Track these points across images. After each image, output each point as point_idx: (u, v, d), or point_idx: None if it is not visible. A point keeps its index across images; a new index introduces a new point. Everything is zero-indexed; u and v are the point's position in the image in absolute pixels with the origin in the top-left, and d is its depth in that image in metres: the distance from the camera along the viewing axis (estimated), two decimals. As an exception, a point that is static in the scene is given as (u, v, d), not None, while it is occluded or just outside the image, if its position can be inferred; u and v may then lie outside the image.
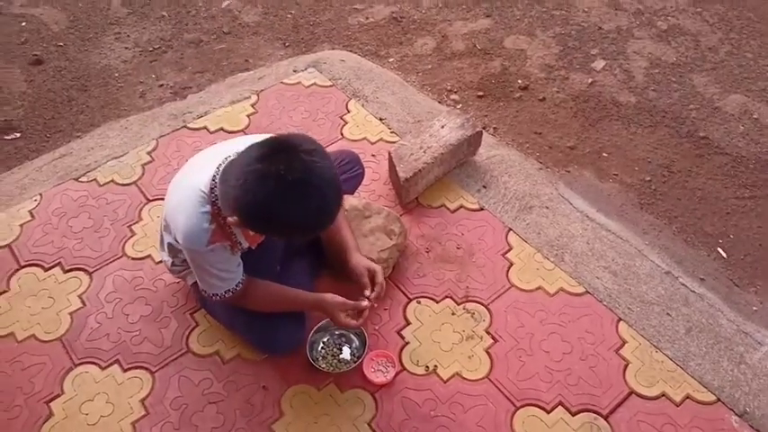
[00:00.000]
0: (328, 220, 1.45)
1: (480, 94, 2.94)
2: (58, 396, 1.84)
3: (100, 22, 3.42)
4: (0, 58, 3.19)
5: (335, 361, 1.87)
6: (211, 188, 1.53)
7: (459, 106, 2.88)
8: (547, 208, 2.32)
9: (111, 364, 1.90)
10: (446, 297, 2.04)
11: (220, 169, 1.53)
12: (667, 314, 1.98)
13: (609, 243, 2.21)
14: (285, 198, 1.34)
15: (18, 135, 2.85)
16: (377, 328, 1.96)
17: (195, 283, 1.87)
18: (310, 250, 2.07)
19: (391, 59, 3.14)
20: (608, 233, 2.25)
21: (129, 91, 3.00)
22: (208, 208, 1.54)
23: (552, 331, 1.94)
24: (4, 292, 2.08)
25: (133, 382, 1.86)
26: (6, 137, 2.84)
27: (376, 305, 1.82)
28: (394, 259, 2.04)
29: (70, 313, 2.02)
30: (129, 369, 1.89)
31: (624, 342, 1.92)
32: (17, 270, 2.14)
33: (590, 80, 2.98)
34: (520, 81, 2.99)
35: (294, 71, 2.86)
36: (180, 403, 1.82)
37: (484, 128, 2.74)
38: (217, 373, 1.88)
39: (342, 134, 2.56)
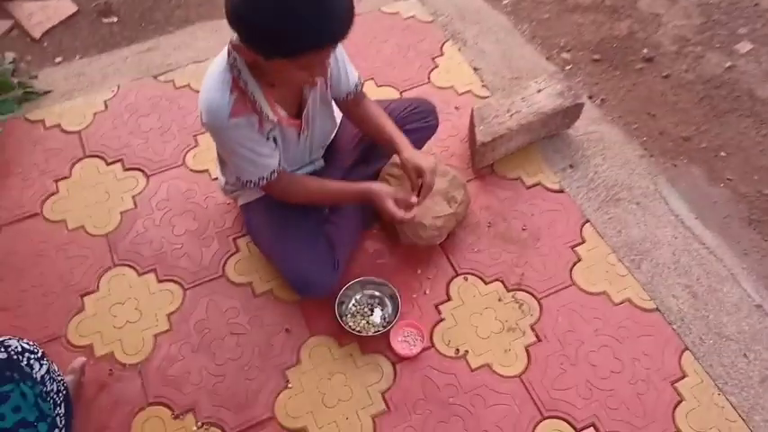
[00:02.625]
0: (333, 9, 1.18)
1: (596, 57, 2.61)
2: (93, 292, 1.87)
3: None
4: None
5: (364, 322, 1.77)
6: (228, 52, 1.40)
7: (568, 67, 2.57)
8: (637, 204, 2.05)
9: (147, 272, 1.90)
10: (497, 280, 1.87)
11: None
12: (744, 355, 1.72)
13: (699, 258, 1.92)
14: None
15: (115, 20, 2.84)
16: (414, 296, 1.83)
17: (245, 205, 1.81)
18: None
19: (505, 1, 2.84)
20: (701, 246, 1.96)
21: (228, -8, 2.90)
22: (227, 76, 1.40)
23: (605, 344, 1.74)
24: (65, 177, 2.11)
25: (164, 294, 1.86)
26: (105, 19, 2.84)
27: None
28: (449, 228, 1.88)
29: (121, 212, 2.03)
30: (164, 281, 1.89)
31: (684, 375, 1.69)
32: (81, 159, 2.16)
33: (728, 64, 2.56)
34: (645, 50, 2.62)
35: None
36: (203, 327, 1.80)
37: (590, 97, 2.45)
38: (246, 304, 1.84)
39: (429, 78, 2.36)
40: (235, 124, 1.42)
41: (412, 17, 2.56)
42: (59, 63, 2.62)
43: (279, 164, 1.56)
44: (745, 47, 2.62)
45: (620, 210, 2.03)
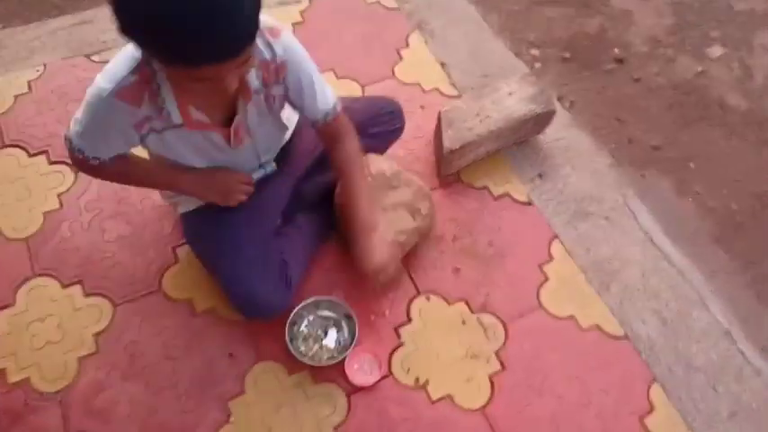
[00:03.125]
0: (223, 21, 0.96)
1: (566, 55, 2.49)
2: (8, 306, 1.65)
3: None
4: None
5: (317, 346, 1.62)
6: None
7: (537, 65, 2.45)
8: (607, 219, 1.95)
9: (72, 284, 1.70)
10: (461, 300, 1.74)
11: None
12: (713, 388, 1.66)
13: (668, 280, 1.85)
14: None
15: (46, -16, 2.53)
16: (372, 318, 1.69)
17: (185, 213, 1.62)
18: (323, 208, 1.78)
19: (475, -10, 2.68)
20: (670, 266, 1.88)
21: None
22: (137, 56, 1.16)
23: (573, 374, 1.65)
24: (-21, 171, 1.86)
25: (91, 311, 1.66)
26: (33, -17, 2.53)
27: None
28: (411, 244, 1.74)
29: (44, 213, 1.80)
30: (91, 295, 1.68)
31: (652, 409, 1.61)
32: (0, 149, 1.90)
33: (699, 69, 2.48)
34: (616, 50, 2.52)
35: (360, -20, 2.44)
36: (134, 350, 1.61)
37: (559, 99, 2.33)
38: (184, 323, 1.66)
39: (393, 72, 2.18)
40: (109, 104, 1.18)
41: (376, 2, 2.37)
42: (-23, 33, 2.32)
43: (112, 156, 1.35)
44: (716, 51, 2.55)
45: (589, 225, 1.93)
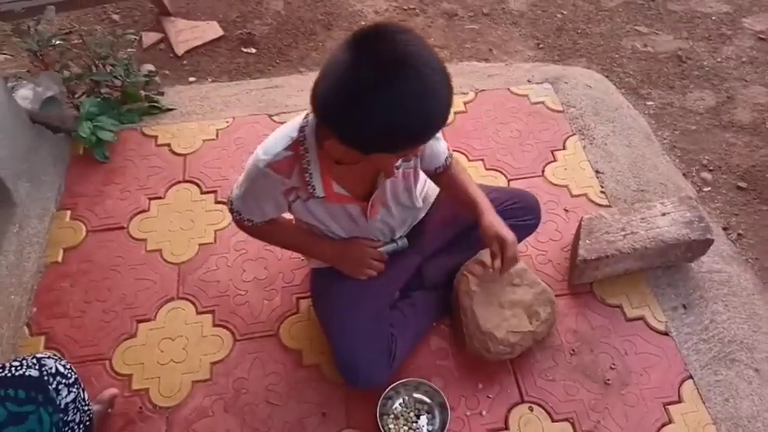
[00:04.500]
0: (435, 113, 1.10)
1: (742, 185, 2.30)
2: (149, 320, 1.84)
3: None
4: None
5: (406, 428, 1.60)
6: (301, 126, 1.33)
7: (706, 189, 2.29)
8: (756, 371, 1.72)
9: (206, 312, 1.86)
10: (567, 420, 1.62)
11: None
12: None
13: (822, 459, 1.57)
14: (374, 82, 1.05)
15: (254, 51, 2.93)
16: (468, 414, 1.63)
17: (315, 269, 1.72)
18: (441, 290, 1.79)
19: (650, 103, 2.60)
20: (827, 444, 1.60)
21: (363, 43, 2.90)
22: (293, 134, 1.33)
23: None
24: (159, 198, 2.13)
25: (215, 340, 1.80)
26: (244, 49, 2.93)
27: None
28: (524, 347, 1.67)
29: (200, 244, 2.01)
30: (219, 326, 1.83)
31: None
32: (179, 182, 2.18)
33: None
34: (803, 188, 2.28)
35: (528, 81, 2.49)
36: (240, 386, 1.71)
37: (725, 228, 2.15)
38: (290, 372, 1.73)
39: (543, 171, 2.17)
40: (264, 174, 1.35)
41: (541, 103, 2.40)
42: (191, 83, 2.73)
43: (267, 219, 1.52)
44: None
45: (732, 373, 1.71)
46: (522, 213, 1.74)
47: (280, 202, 1.43)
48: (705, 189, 2.29)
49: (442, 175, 1.60)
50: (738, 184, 2.29)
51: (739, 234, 2.14)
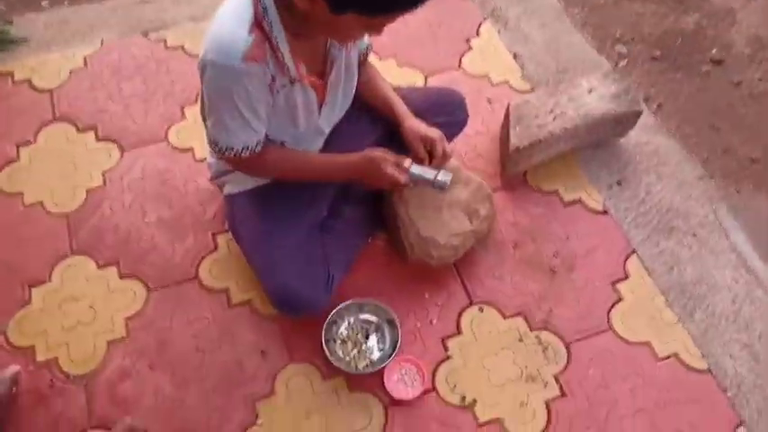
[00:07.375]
0: None
1: (656, 54, 2.25)
2: (43, 283, 1.59)
3: None
4: None
5: (355, 351, 1.48)
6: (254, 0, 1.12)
7: (623, 63, 2.22)
8: (694, 236, 1.72)
9: (108, 265, 1.62)
10: (519, 314, 1.56)
11: None
12: (812, 441, 1.41)
13: (762, 310, 1.60)
14: None
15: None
16: (418, 325, 1.54)
17: (231, 195, 1.52)
18: (370, 203, 1.64)
19: (557, -20, 2.48)
20: (765, 295, 1.63)
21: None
22: (249, 12, 1.12)
23: (642, 408, 1.43)
24: (29, 143, 1.82)
25: (125, 294, 1.58)
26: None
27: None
28: (467, 247, 1.57)
29: (87, 190, 1.74)
30: (126, 278, 1.60)
31: (737, 459, 1.38)
32: (50, 122, 1.87)
33: (811, 74, 2.20)
34: (714, 51, 2.26)
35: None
36: (164, 337, 1.52)
37: (646, 100, 2.11)
38: (218, 315, 1.55)
39: (460, 63, 2.02)
40: (246, 70, 1.13)
41: (447, -12, 2.21)
42: (45, 9, 2.32)
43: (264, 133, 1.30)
44: (830, 57, 2.25)
45: (672, 242, 1.70)
46: (449, 109, 1.63)
47: (268, 100, 1.22)
48: (621, 63, 2.22)
49: (361, 66, 1.44)
50: (653, 53, 2.24)
51: (659, 104, 2.11)
